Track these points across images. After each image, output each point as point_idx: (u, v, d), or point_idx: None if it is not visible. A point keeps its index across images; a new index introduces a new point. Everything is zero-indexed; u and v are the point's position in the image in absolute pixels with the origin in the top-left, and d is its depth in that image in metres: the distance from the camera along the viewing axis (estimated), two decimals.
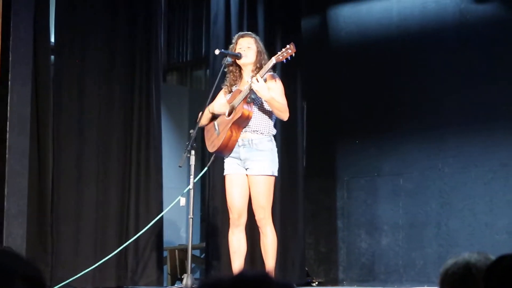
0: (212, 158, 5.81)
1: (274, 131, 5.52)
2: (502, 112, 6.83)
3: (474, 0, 7.02)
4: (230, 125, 5.40)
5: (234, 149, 5.45)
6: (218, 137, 5.48)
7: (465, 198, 6.98)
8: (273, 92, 5.33)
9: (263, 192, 5.42)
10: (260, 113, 5.46)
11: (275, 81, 5.44)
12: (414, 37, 7.39)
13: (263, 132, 5.44)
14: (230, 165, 5.52)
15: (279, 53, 5.25)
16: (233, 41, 5.63)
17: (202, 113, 5.53)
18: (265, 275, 1.52)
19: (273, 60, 5.25)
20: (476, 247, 6.52)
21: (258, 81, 5.20)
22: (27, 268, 1.75)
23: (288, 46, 5.22)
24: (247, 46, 5.52)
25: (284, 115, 5.41)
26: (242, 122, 5.40)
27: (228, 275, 1.55)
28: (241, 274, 1.54)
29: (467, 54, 7.02)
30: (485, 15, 6.96)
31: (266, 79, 5.32)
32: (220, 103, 5.52)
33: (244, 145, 5.43)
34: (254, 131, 5.44)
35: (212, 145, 5.57)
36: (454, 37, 7.11)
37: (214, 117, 5.58)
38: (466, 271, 2.28)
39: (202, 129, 5.75)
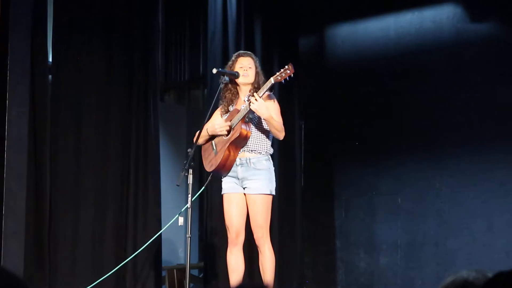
0: (209, 178, 5.80)
1: (271, 151, 5.52)
2: (500, 131, 6.84)
3: (470, 19, 7.05)
4: (228, 144, 5.40)
5: (232, 168, 5.45)
6: (216, 156, 5.48)
7: (463, 217, 6.97)
8: (271, 111, 5.33)
9: (261, 211, 5.41)
10: (258, 132, 5.46)
11: (273, 101, 5.44)
12: (411, 56, 7.40)
13: (260, 151, 5.44)
14: (227, 184, 5.52)
15: (277, 73, 5.22)
16: (232, 58, 5.62)
17: (200, 132, 5.52)
18: (263, 287, 1.52)
19: (272, 81, 5.22)
20: (475, 266, 6.47)
21: (257, 100, 5.19)
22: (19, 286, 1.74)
23: (286, 66, 5.18)
24: (248, 66, 5.51)
25: (281, 134, 5.41)
26: (240, 141, 5.40)
27: (225, 287, 1.55)
28: (239, 286, 1.54)
29: (464, 73, 7.03)
30: (482, 34, 6.98)
31: (263, 99, 5.31)
32: (219, 124, 5.50)
33: (242, 164, 5.43)
34: (251, 150, 5.44)
35: (210, 165, 5.56)
36: (451, 56, 7.13)
37: (212, 136, 5.58)
38: None
39: (199, 148, 5.74)
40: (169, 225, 6.34)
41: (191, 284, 7.66)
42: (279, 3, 7.73)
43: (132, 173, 6.98)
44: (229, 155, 5.41)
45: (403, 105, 7.41)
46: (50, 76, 6.73)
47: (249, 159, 5.42)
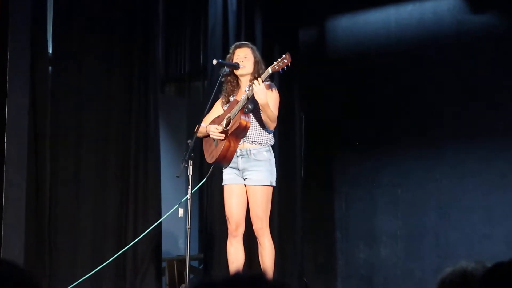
0: (211, 169, 5.80)
1: (272, 141, 5.53)
2: (500, 123, 6.83)
3: (471, 11, 7.03)
4: (228, 135, 5.41)
5: (233, 159, 5.46)
6: (217, 148, 5.49)
7: (463, 209, 6.97)
8: (269, 100, 5.34)
9: (261, 202, 5.42)
10: (258, 124, 5.46)
11: (271, 90, 5.45)
12: (412, 48, 7.40)
13: (261, 142, 5.45)
14: (228, 175, 5.53)
15: (275, 62, 5.26)
16: (230, 51, 5.65)
17: (199, 126, 5.53)
18: (261, 274, 1.51)
19: (269, 70, 5.27)
20: (475, 258, 6.47)
21: (259, 84, 5.21)
22: (22, 277, 1.74)
23: (284, 56, 5.23)
24: (244, 57, 5.54)
25: (272, 124, 5.42)
26: (240, 132, 5.41)
27: (223, 275, 1.54)
28: (237, 274, 1.54)
29: (465, 65, 7.03)
30: (482, 25, 6.97)
31: None
32: (214, 129, 5.50)
33: (242, 155, 5.44)
34: (252, 141, 5.45)
35: (210, 156, 5.57)
36: (452, 48, 7.12)
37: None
38: (463, 280, 2.28)
39: (200, 140, 5.75)
40: (169, 216, 6.34)
41: (191, 275, 7.66)
42: None
43: (132, 165, 6.97)
44: (229, 146, 5.42)
45: (403, 96, 7.41)
46: (50, 68, 6.72)
47: (250, 150, 5.43)
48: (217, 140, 5.50)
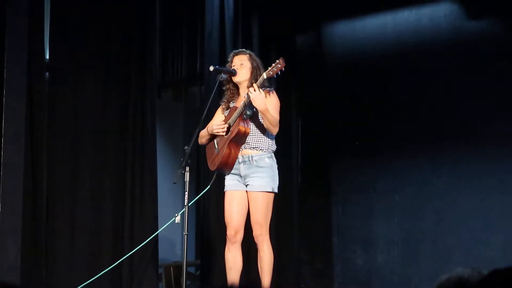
0: (214, 177, 5.80)
1: (274, 147, 5.53)
2: (497, 128, 6.83)
3: (467, 17, 7.04)
4: (228, 142, 5.42)
5: (235, 166, 5.46)
6: (218, 155, 5.50)
7: (460, 214, 6.97)
8: (268, 105, 5.35)
9: (261, 208, 5.42)
10: (258, 129, 5.47)
11: (269, 95, 5.45)
12: (408, 54, 7.40)
13: (262, 148, 5.46)
14: (230, 181, 5.54)
15: (269, 68, 5.28)
16: (228, 59, 5.67)
17: (198, 132, 5.55)
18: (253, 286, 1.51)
19: (264, 76, 5.28)
20: (472, 264, 6.45)
21: (255, 91, 5.22)
22: None
23: (277, 60, 5.24)
24: (240, 64, 5.56)
25: (274, 129, 5.43)
26: (239, 139, 5.42)
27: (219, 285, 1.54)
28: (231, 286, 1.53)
29: (461, 71, 7.03)
30: (479, 31, 6.97)
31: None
32: (216, 124, 5.53)
33: (244, 161, 5.45)
34: (253, 147, 5.46)
35: (213, 164, 5.58)
36: (448, 54, 7.12)
37: (213, 136, 5.60)
38: (459, 286, 2.28)
39: (197, 146, 5.75)
40: (166, 226, 6.34)
41: (188, 282, 7.66)
42: (276, 1, 7.72)
43: (129, 170, 6.97)
44: (230, 153, 5.43)
45: (400, 102, 7.41)
46: (47, 73, 6.72)
47: (251, 156, 5.44)
48: (218, 147, 5.51)
